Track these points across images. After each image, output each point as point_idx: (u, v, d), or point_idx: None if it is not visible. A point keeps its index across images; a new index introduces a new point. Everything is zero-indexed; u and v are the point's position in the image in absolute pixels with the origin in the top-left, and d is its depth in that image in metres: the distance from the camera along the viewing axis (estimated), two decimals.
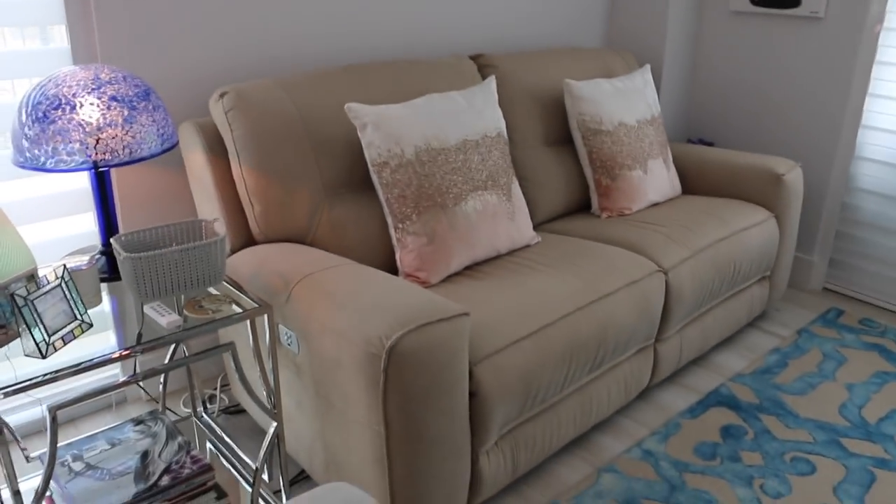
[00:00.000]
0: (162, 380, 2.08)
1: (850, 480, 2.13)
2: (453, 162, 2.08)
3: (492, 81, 2.31)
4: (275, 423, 1.80)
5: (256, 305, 1.70)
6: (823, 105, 3.07)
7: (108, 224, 1.86)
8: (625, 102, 2.63)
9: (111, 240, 1.69)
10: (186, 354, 2.06)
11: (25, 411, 2.27)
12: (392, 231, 2.07)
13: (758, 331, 2.90)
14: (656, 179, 2.66)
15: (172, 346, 2.01)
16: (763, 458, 2.20)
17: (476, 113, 2.18)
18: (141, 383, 2.41)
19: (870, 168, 3.04)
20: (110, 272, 1.85)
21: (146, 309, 1.67)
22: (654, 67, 3.28)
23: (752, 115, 3.30)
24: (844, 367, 2.68)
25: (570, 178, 2.68)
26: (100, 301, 1.73)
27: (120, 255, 1.59)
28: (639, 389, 2.34)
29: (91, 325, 1.56)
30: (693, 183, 2.92)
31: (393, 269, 2.18)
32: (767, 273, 2.81)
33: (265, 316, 1.72)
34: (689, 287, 2.33)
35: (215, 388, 2.45)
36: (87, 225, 2.21)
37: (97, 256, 1.86)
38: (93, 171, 1.78)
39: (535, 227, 2.60)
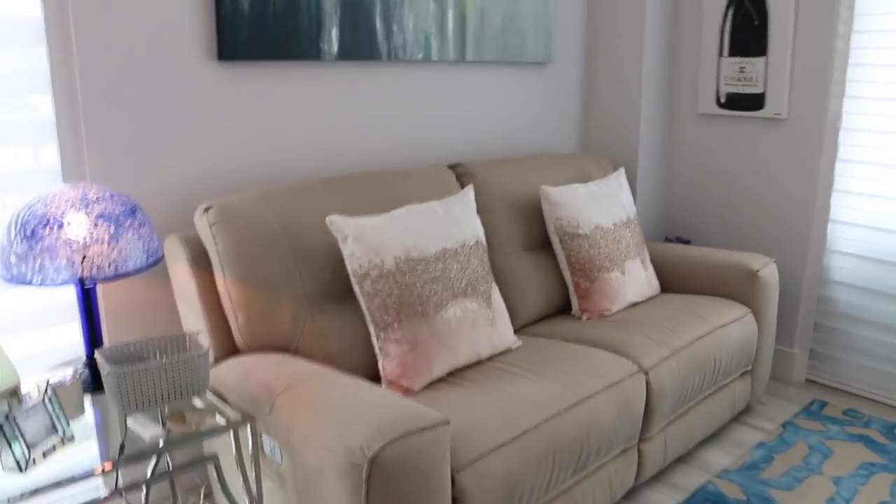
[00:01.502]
0: (144, 491, 2.09)
1: None
2: (433, 271, 2.15)
3: (470, 190, 2.41)
4: None
5: (240, 416, 1.74)
6: (793, 201, 3.19)
7: (92, 336, 1.91)
8: (600, 206, 2.74)
9: (95, 352, 1.74)
10: (170, 467, 2.08)
11: None
12: (374, 340, 2.12)
13: (743, 426, 2.92)
14: (634, 280, 2.74)
15: (155, 457, 2.03)
16: None
17: (455, 222, 2.27)
18: (124, 495, 2.40)
19: (842, 261, 3.14)
20: (94, 384, 1.88)
21: (129, 421, 1.70)
22: (629, 170, 3.42)
23: (727, 212, 3.42)
24: (830, 459, 2.70)
25: (549, 282, 2.76)
26: (82, 412, 1.76)
27: (104, 369, 1.64)
28: (624, 490, 2.35)
29: (73, 439, 1.60)
30: (671, 281, 3.00)
31: (376, 377, 2.22)
32: (749, 368, 2.86)
33: (248, 426, 1.75)
34: (669, 386, 2.38)
35: (198, 499, 2.44)
36: (72, 335, 2.26)
37: (80, 370, 1.90)
38: (79, 286, 1.84)
39: (517, 331, 2.66)
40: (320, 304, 2.19)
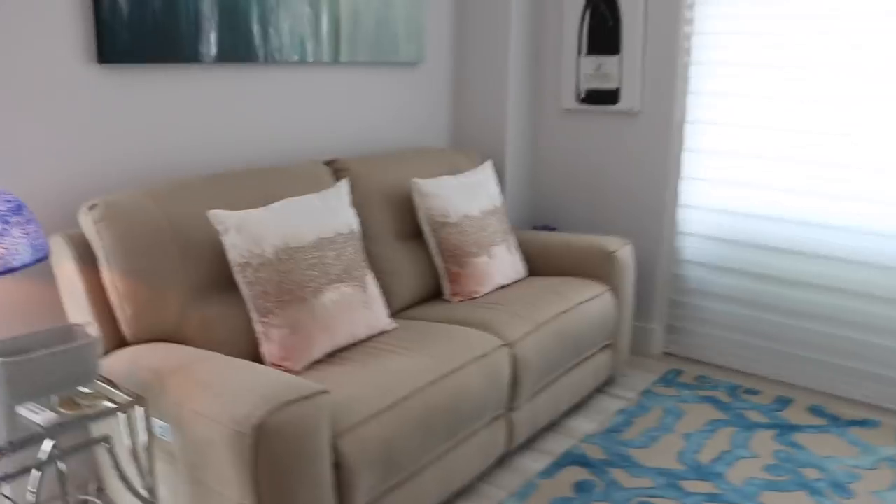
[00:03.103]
0: (34, 489, 2.23)
1: None
2: (311, 258, 2.39)
3: (344, 183, 2.66)
4: None
5: (130, 399, 1.92)
6: (648, 188, 3.59)
7: None
8: (468, 196, 3.04)
9: None
10: (59, 452, 2.22)
11: None
12: (257, 325, 2.34)
13: (606, 395, 3.30)
14: (501, 264, 3.05)
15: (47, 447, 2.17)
16: None
17: (330, 213, 2.51)
18: (8, 494, 2.51)
19: (692, 241, 3.56)
20: None
21: (21, 409, 1.86)
22: (497, 163, 3.75)
23: (589, 200, 3.80)
24: (682, 419, 3.08)
25: (422, 269, 3.04)
26: None
27: None
28: (496, 456, 2.65)
29: None
30: (537, 265, 3.34)
31: (260, 362, 2.43)
32: (609, 341, 3.23)
33: (140, 409, 1.94)
34: (534, 357, 2.69)
35: (87, 495, 2.58)
36: None
37: None
38: None
39: (394, 315, 2.92)
40: (206, 294, 2.39)
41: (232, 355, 2.39)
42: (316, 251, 2.42)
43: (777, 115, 3.26)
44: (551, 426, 3.04)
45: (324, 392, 1.96)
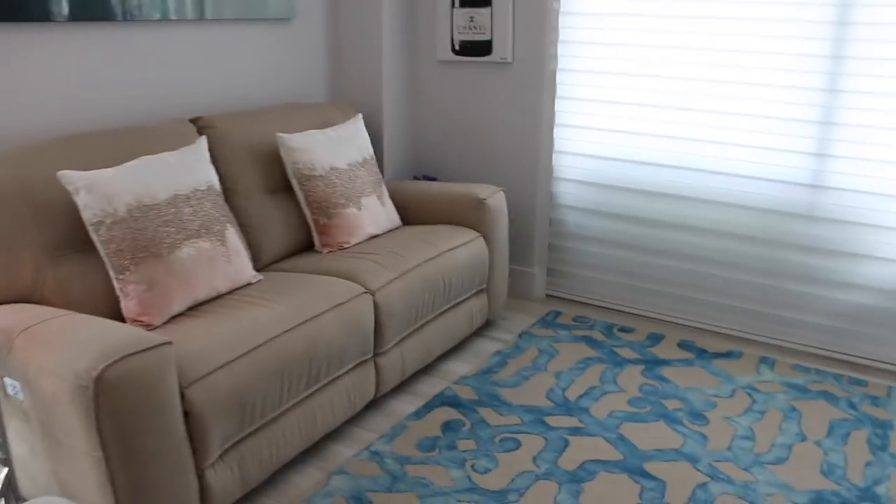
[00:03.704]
0: None
1: (548, 449, 2.64)
2: (165, 215, 2.45)
3: (203, 141, 2.71)
4: (6, 469, 2.07)
5: None
6: (523, 136, 3.71)
7: None
8: (335, 149, 3.11)
9: None
10: None
11: None
12: (115, 283, 2.40)
13: (484, 338, 3.44)
14: (372, 214, 3.15)
15: None
16: (476, 444, 2.68)
17: (186, 170, 2.57)
18: None
19: (567, 187, 3.70)
20: None
21: None
22: (375, 115, 3.82)
23: (468, 150, 3.90)
24: (556, 358, 3.24)
25: (292, 222, 3.12)
26: None
27: None
28: (366, 400, 2.77)
29: None
30: (414, 214, 3.44)
31: (122, 319, 2.49)
32: (483, 286, 3.35)
33: None
34: (398, 304, 2.80)
35: None
36: None
37: None
38: None
39: (264, 268, 3.01)
40: (61, 254, 2.43)
41: (92, 314, 2.45)
42: (171, 208, 2.47)
43: (647, 62, 3.38)
44: (426, 370, 3.17)
45: (166, 343, 2.03)
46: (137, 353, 1.96)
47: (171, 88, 3.13)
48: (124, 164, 2.48)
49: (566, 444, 2.68)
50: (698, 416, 2.85)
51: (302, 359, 2.42)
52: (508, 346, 3.38)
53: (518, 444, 2.68)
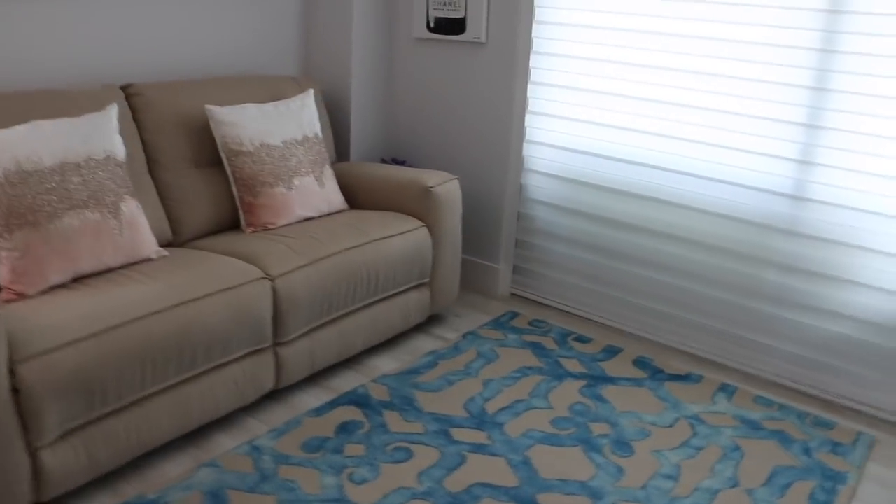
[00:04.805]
0: None
1: (440, 465, 2.41)
2: (48, 182, 2.34)
3: (112, 109, 2.59)
4: None
5: None
6: (494, 123, 3.44)
7: None
8: (271, 125, 2.94)
9: None
10: None
11: None
12: None
13: (425, 335, 3.22)
14: (305, 196, 2.96)
15: None
16: (365, 450, 2.47)
17: (82, 138, 2.45)
18: None
19: (537, 179, 3.41)
20: None
21: None
22: (343, 92, 3.61)
23: (440, 133, 3.66)
24: (492, 364, 2.98)
25: (220, 198, 2.98)
26: None
27: None
28: (262, 391, 2.60)
29: None
30: (363, 199, 3.24)
31: None
32: (425, 280, 3.12)
33: None
34: (303, 293, 2.61)
35: None
36: None
37: None
38: None
39: (184, 243, 2.88)
40: None
41: None
42: (56, 175, 2.36)
43: (628, 50, 3.05)
44: (348, 363, 2.98)
45: None
46: None
47: (127, 54, 3.03)
48: (11, 128, 2.38)
49: (461, 461, 2.43)
50: (623, 446, 2.53)
51: (169, 343, 2.27)
52: (447, 346, 3.14)
53: (409, 456, 2.45)
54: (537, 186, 3.42)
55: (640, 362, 3.07)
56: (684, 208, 3.03)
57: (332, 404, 2.71)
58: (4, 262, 2.31)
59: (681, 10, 2.86)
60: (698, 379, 2.96)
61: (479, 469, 2.40)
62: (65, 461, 2.14)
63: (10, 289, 2.33)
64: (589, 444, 2.54)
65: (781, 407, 2.80)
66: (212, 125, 2.87)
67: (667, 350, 3.19)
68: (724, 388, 2.91)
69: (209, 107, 2.86)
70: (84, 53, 2.92)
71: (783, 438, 2.62)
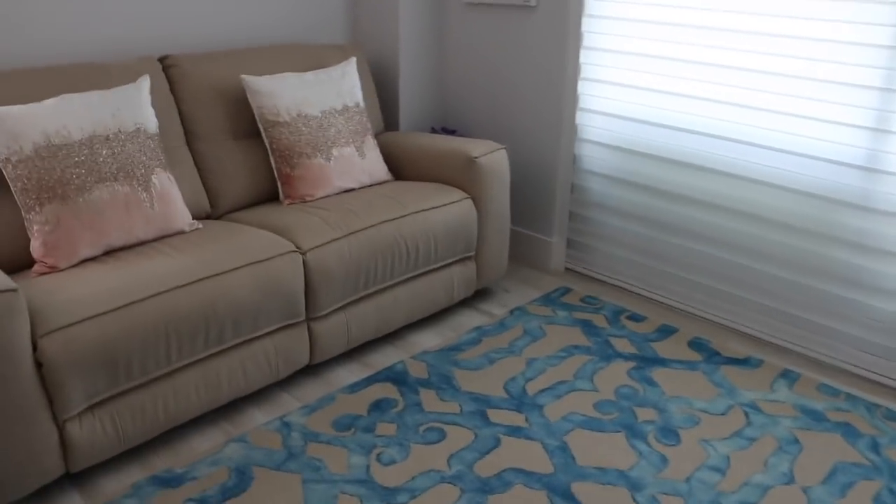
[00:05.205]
0: None
1: (472, 448, 2.30)
2: (77, 156, 2.31)
3: (145, 80, 2.55)
4: None
5: None
6: (546, 89, 3.26)
7: None
8: (309, 94, 2.85)
9: None
10: None
11: None
12: (25, 222, 2.31)
13: (472, 310, 3.10)
14: (345, 167, 2.87)
15: None
16: (397, 430, 2.39)
17: (111, 110, 2.42)
18: None
19: (591, 149, 3.22)
20: None
21: None
22: (392, 60, 3.48)
23: (491, 101, 3.50)
24: (538, 343, 2.85)
25: (258, 170, 2.91)
26: None
27: None
28: (296, 366, 2.55)
29: None
30: (407, 169, 3.13)
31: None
32: (470, 253, 2.99)
33: None
34: (336, 267, 2.53)
35: None
36: None
37: None
38: None
39: (221, 216, 2.84)
40: None
41: (7, 251, 2.38)
42: (85, 148, 2.34)
43: (687, 11, 2.81)
44: (390, 338, 2.90)
45: (11, 290, 1.91)
46: None
47: (168, 25, 2.98)
48: (41, 102, 2.36)
49: (496, 444, 2.32)
50: (670, 434, 2.37)
51: (195, 318, 2.23)
52: (493, 322, 3.01)
53: (441, 437, 2.35)
54: (591, 157, 3.23)
55: (695, 344, 2.88)
56: (746, 180, 2.80)
57: (368, 381, 2.63)
58: (36, 235, 2.31)
59: None
60: (758, 363, 2.75)
61: (513, 453, 2.28)
62: (92, 434, 2.13)
63: (42, 262, 2.33)
64: (632, 431, 2.38)
65: (848, 397, 2.57)
66: (248, 95, 2.80)
67: (725, 331, 2.97)
68: (785, 374, 2.69)
69: (245, 77, 2.79)
70: (125, 25, 2.90)
71: (849, 432, 2.40)
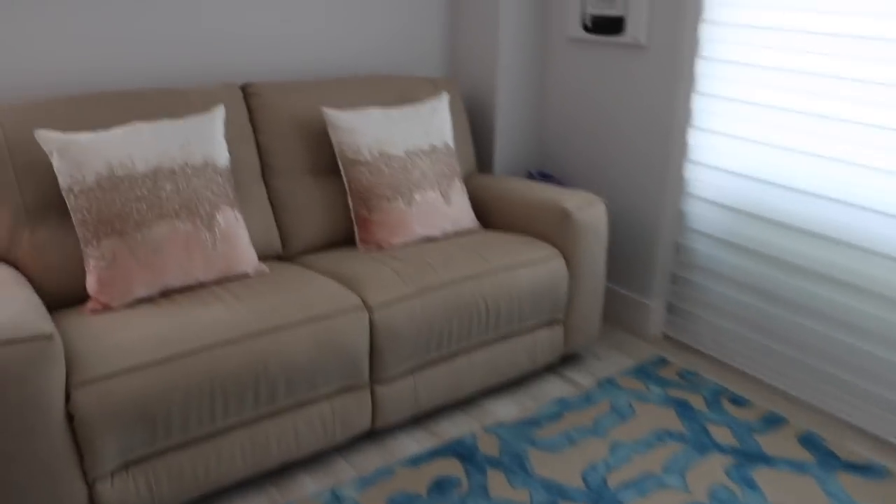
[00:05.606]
0: None
1: None
2: (139, 189, 2.15)
3: (220, 110, 2.37)
4: None
5: None
6: (652, 138, 2.94)
7: None
8: (394, 131, 2.62)
9: None
10: None
11: None
12: (84, 255, 2.16)
13: (556, 377, 2.78)
14: (427, 212, 2.62)
15: None
16: None
17: (180, 142, 2.25)
18: None
19: (700, 207, 2.87)
20: None
21: None
22: (489, 97, 3.22)
23: (592, 146, 3.19)
24: (626, 423, 2.51)
25: (335, 210, 2.70)
26: None
27: None
28: (354, 431, 2.31)
29: None
30: (495, 218, 2.86)
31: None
32: (560, 316, 2.68)
33: None
34: (406, 327, 2.28)
35: None
36: None
37: None
38: None
39: (293, 257, 2.63)
40: (43, 216, 2.24)
41: (63, 283, 2.24)
42: (148, 181, 2.17)
43: (818, 56, 2.43)
44: (465, 405, 2.61)
45: (46, 337, 1.74)
46: (10, 342, 1.69)
47: (257, 52, 2.83)
48: (111, 130, 2.21)
49: None
50: None
51: (244, 376, 2.02)
52: (578, 393, 2.69)
53: None
54: (700, 215, 2.87)
55: (807, 439, 2.48)
56: (881, 256, 2.39)
57: (434, 453, 2.36)
58: (92, 270, 2.16)
59: (889, 6, 2.24)
60: (882, 473, 2.33)
61: None
62: (124, 495, 1.95)
63: (96, 299, 2.18)
64: None
65: None
66: (329, 130, 2.60)
67: (844, 427, 2.56)
68: None
69: (326, 110, 2.58)
70: (210, 49, 2.75)
71: None
